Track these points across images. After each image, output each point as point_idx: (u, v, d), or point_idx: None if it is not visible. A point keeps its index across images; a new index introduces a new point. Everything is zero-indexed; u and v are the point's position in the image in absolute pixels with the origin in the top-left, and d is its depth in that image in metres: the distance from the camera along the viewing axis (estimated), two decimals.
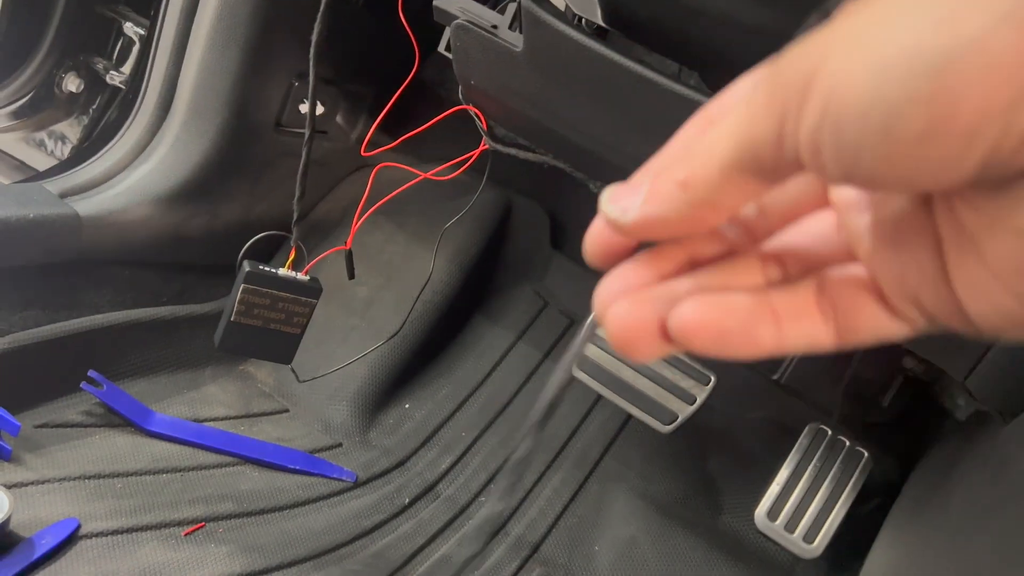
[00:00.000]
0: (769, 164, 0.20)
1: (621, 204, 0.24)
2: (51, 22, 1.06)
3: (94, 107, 1.16)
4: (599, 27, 0.72)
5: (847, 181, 0.19)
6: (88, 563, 0.74)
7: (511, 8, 0.71)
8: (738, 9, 0.55)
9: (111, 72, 1.12)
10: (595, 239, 0.27)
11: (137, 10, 1.11)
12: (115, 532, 0.78)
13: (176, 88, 1.00)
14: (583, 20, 0.72)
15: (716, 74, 0.68)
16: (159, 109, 1.00)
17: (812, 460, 0.97)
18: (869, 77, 0.17)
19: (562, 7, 0.71)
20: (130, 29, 1.10)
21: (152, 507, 0.83)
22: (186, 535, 0.82)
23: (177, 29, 0.98)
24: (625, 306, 0.25)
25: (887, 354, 1.08)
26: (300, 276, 0.83)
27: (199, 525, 0.83)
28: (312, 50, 0.75)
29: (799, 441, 0.99)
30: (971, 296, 0.21)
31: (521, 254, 1.29)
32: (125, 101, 1.07)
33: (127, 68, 1.11)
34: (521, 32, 0.69)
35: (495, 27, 0.72)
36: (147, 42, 1.04)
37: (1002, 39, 0.16)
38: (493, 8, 0.76)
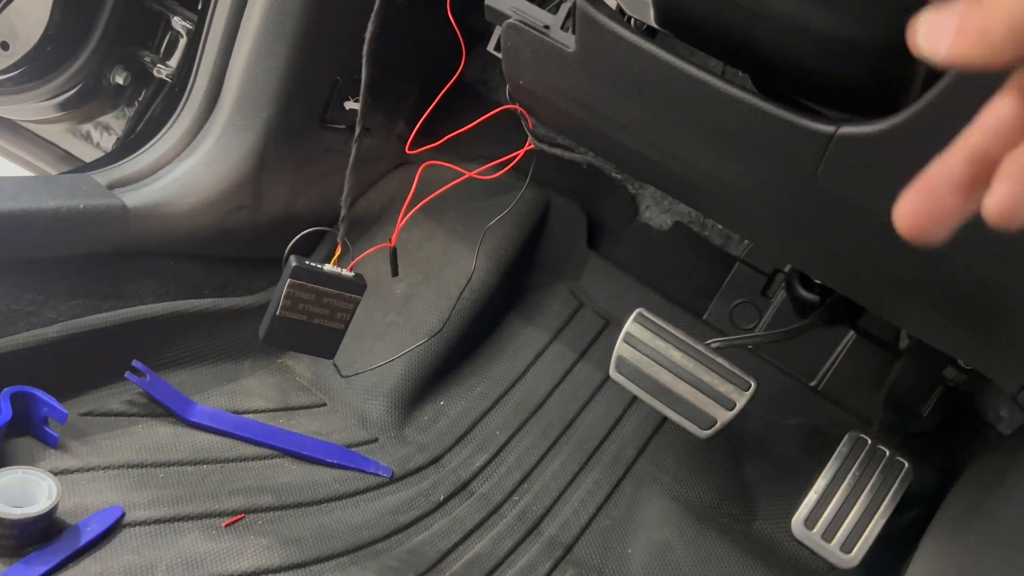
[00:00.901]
0: None
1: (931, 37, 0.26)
2: (101, 16, 1.08)
3: (140, 99, 1.18)
4: (648, 27, 0.72)
5: None
6: (132, 551, 0.75)
7: (564, 8, 0.71)
8: (798, 12, 0.54)
9: (158, 65, 1.13)
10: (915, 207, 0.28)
11: (185, 4, 1.13)
12: (158, 521, 0.79)
13: (223, 83, 1.01)
14: (633, 20, 0.72)
15: (767, 76, 0.67)
16: (206, 103, 1.01)
17: (851, 469, 0.96)
18: None
19: (614, 5, 0.71)
20: (177, 23, 1.12)
21: (193, 497, 0.84)
22: (226, 526, 0.83)
23: (226, 24, 0.99)
24: None
25: (928, 363, 1.06)
26: (345, 272, 0.83)
27: (239, 517, 0.84)
28: (365, 48, 0.76)
29: (839, 449, 0.98)
30: None
31: (558, 254, 1.29)
32: (171, 94, 1.08)
33: (174, 62, 1.12)
34: (573, 32, 0.69)
35: (547, 27, 0.71)
36: (195, 36, 1.05)
37: None
38: (544, 8, 0.76)
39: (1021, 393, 0.69)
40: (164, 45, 1.13)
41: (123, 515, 0.77)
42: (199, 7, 1.08)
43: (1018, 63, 0.25)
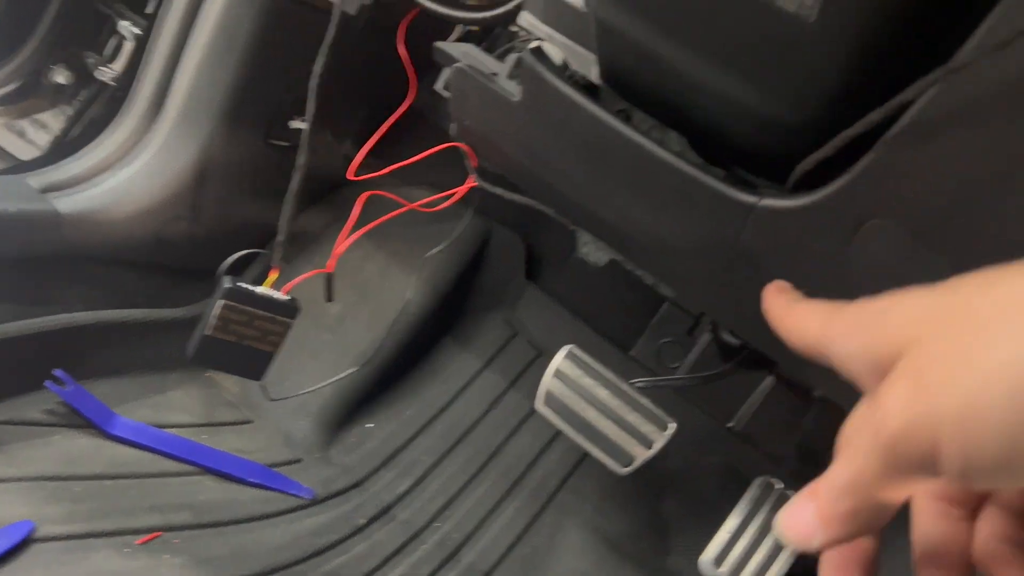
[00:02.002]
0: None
1: (800, 535, 0.32)
2: (46, 13, 1.06)
3: (79, 99, 1.16)
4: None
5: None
6: (41, 567, 0.73)
7: (511, 58, 0.73)
8: (729, 88, 0.58)
9: (101, 68, 1.11)
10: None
11: (133, 9, 1.11)
12: (69, 537, 0.77)
13: (168, 92, 1.00)
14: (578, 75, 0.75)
15: (705, 143, 0.70)
16: (149, 111, 1.00)
17: (759, 512, 1.00)
18: (996, 450, 0.24)
19: (560, 60, 0.73)
20: (124, 27, 1.10)
21: (109, 513, 0.82)
22: (140, 544, 0.82)
23: (176, 33, 0.99)
24: None
25: (840, 411, 1.11)
26: (279, 295, 0.83)
27: (155, 534, 0.83)
28: (314, 81, 0.77)
29: (749, 492, 1.02)
30: None
31: (496, 282, 1.31)
32: (114, 98, 1.07)
33: (118, 65, 1.11)
34: (520, 83, 0.71)
35: (495, 75, 0.73)
36: (142, 42, 1.04)
37: None
38: (491, 54, 0.78)
39: None
40: (109, 48, 1.12)
41: (33, 530, 0.75)
42: (147, 12, 1.07)
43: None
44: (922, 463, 0.26)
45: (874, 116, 0.47)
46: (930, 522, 0.35)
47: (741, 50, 0.52)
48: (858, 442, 0.29)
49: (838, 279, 0.60)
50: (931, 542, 0.34)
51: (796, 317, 0.37)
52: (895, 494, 0.29)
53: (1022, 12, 0.38)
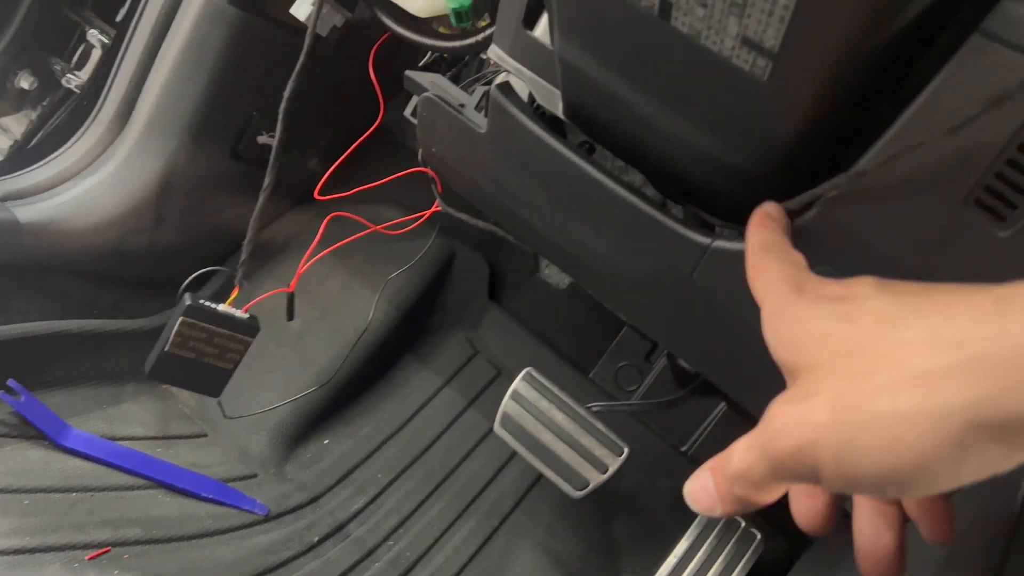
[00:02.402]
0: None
1: (703, 506, 0.37)
2: (14, 18, 1.05)
3: (44, 104, 1.15)
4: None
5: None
6: None
7: (479, 91, 0.75)
8: (686, 134, 0.60)
9: (68, 75, 1.11)
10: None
11: (103, 17, 1.11)
12: (18, 551, 0.77)
13: (136, 104, 1.00)
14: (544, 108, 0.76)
15: (659, 180, 0.72)
16: (115, 122, 1.00)
17: (709, 537, 1.02)
18: (871, 479, 0.28)
19: (526, 94, 0.75)
20: (93, 36, 1.10)
21: (59, 527, 0.82)
22: (90, 559, 0.81)
23: (146, 45, 0.99)
24: None
25: None
26: (239, 314, 0.84)
27: (105, 550, 0.83)
28: (283, 104, 0.77)
29: (699, 517, 1.04)
30: None
31: (458, 301, 1.32)
32: (79, 107, 1.06)
33: (85, 74, 1.10)
34: (486, 115, 0.72)
35: (462, 105, 0.75)
36: (111, 52, 1.04)
37: None
38: (458, 84, 0.80)
39: None
40: (76, 56, 1.11)
41: None
42: (118, 21, 1.07)
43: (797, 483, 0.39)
44: (803, 477, 0.31)
45: (804, 198, 0.52)
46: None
47: (700, 101, 0.54)
48: (753, 444, 0.33)
49: None
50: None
51: (765, 279, 0.42)
52: (780, 490, 0.35)
53: (909, 134, 0.46)
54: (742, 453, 0.34)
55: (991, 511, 0.55)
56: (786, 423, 0.31)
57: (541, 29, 0.69)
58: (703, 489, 0.36)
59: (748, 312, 0.67)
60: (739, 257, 0.63)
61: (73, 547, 0.81)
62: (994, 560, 0.50)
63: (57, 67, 1.11)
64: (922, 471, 0.27)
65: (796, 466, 0.30)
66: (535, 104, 0.74)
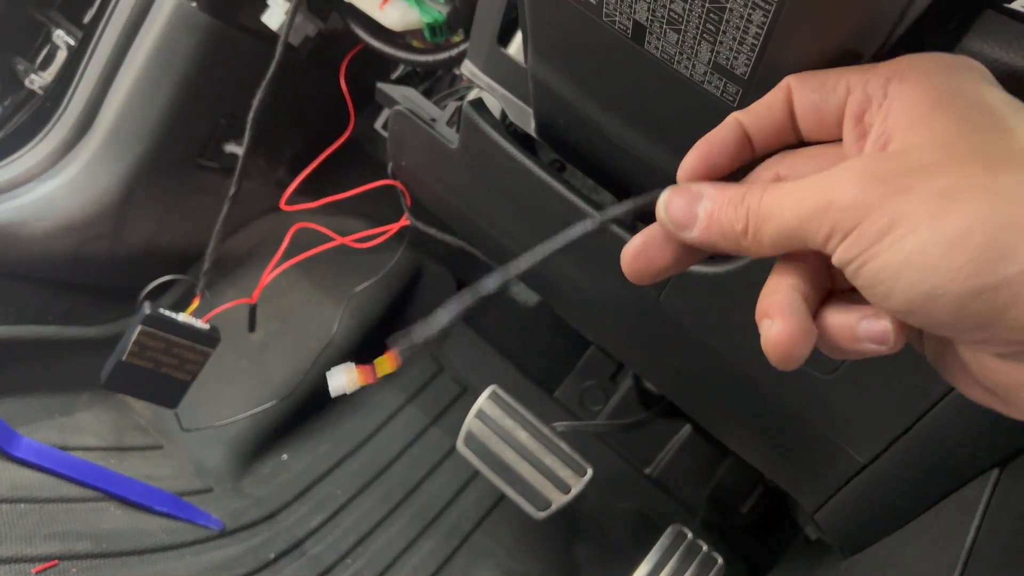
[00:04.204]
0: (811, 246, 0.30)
1: (678, 221, 0.33)
2: None
3: (6, 104, 1.12)
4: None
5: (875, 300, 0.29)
6: None
7: (451, 106, 0.75)
8: (654, 155, 0.60)
9: (31, 75, 1.08)
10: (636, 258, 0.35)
11: (70, 18, 1.09)
12: None
13: (100, 108, 0.98)
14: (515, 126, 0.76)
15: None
16: (79, 126, 0.98)
17: (670, 560, 1.02)
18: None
19: (498, 110, 0.75)
20: (59, 37, 1.08)
21: (5, 539, 0.79)
22: (37, 572, 0.79)
23: (113, 49, 0.97)
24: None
25: (750, 468, 1.15)
26: (200, 324, 0.82)
27: (52, 563, 0.80)
28: (251, 114, 0.76)
29: (660, 540, 1.04)
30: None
31: (424, 317, 1.30)
32: (42, 109, 1.04)
33: (49, 75, 1.08)
34: (458, 131, 0.72)
35: (434, 120, 0.75)
36: (77, 54, 1.02)
37: None
38: (430, 99, 0.79)
39: (819, 512, 0.76)
40: (41, 56, 1.09)
41: None
42: (85, 23, 1.05)
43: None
44: (810, 245, 0.29)
45: None
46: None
47: (670, 124, 0.54)
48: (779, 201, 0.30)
49: (751, 344, 0.63)
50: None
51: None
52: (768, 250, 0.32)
53: None
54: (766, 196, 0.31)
55: (966, 495, 0.55)
56: (847, 190, 0.28)
57: (515, 47, 0.69)
58: (689, 205, 0.33)
59: (714, 336, 0.68)
60: (706, 281, 0.63)
61: (19, 560, 0.78)
62: (964, 540, 0.50)
63: (20, 67, 1.09)
64: None
65: (868, 228, 0.27)
66: (507, 121, 0.74)
